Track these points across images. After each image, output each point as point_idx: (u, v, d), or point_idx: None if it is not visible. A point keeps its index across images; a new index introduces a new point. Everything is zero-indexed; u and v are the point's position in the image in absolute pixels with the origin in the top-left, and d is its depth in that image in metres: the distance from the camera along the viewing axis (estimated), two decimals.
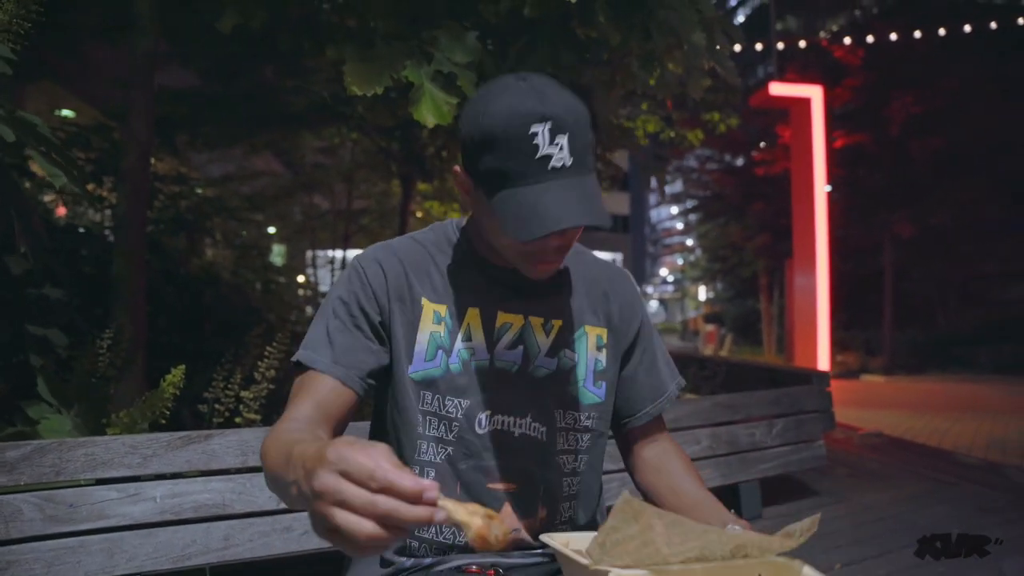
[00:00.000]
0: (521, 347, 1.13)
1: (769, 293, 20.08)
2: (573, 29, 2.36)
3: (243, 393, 2.33)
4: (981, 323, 15.94)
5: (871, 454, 3.91)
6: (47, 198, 5.43)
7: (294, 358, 1.06)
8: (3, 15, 1.78)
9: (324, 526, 0.59)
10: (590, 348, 1.19)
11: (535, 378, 1.14)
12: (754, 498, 2.28)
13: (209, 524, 1.47)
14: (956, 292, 17.64)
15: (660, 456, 1.23)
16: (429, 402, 1.10)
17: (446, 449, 1.10)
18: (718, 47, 2.56)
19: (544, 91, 0.95)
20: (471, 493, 1.09)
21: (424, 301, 1.10)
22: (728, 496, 2.24)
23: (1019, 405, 8.82)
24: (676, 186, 30.15)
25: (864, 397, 9.77)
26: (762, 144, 18.71)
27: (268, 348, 2.37)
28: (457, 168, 1.06)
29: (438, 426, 1.10)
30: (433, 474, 1.10)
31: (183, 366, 1.90)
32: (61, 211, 6.14)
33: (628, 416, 1.24)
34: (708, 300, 35.09)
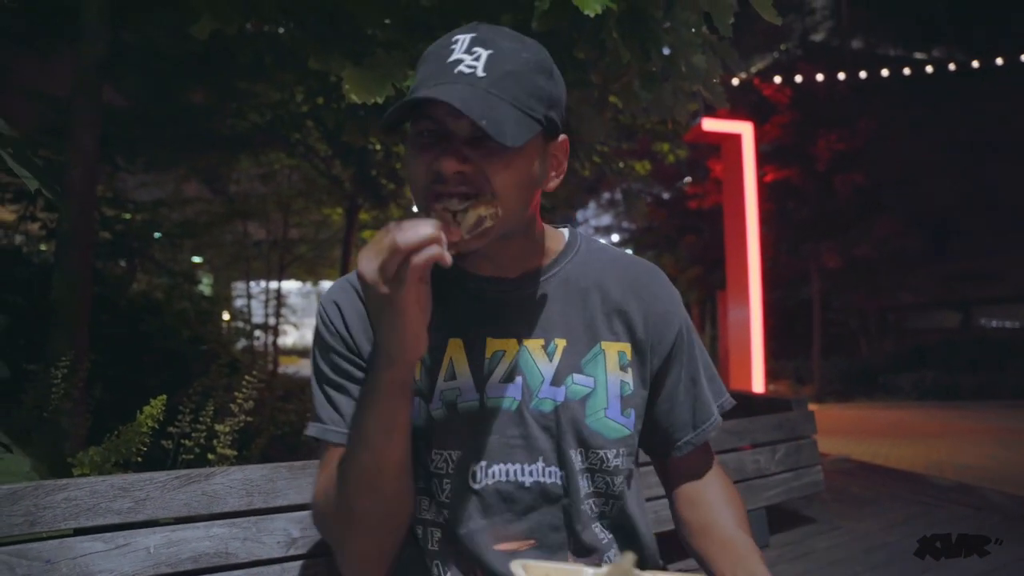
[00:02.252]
0: (519, 378, 0.95)
1: (701, 324, 20.50)
2: (573, 47, 2.31)
3: (218, 427, 2.13)
4: (901, 351, 16.68)
5: (846, 479, 3.94)
6: None
7: (308, 433, 0.98)
8: None
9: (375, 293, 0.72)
10: (611, 369, 0.98)
11: (541, 413, 0.95)
12: (762, 527, 2.22)
13: None
14: (877, 321, 18.44)
15: (699, 488, 1.06)
16: (419, 457, 0.95)
17: (443, 512, 0.95)
18: (714, 76, 2.55)
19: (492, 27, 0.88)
20: (475, 558, 0.92)
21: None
22: None
23: (947, 429, 9.20)
24: (604, 219, 30.65)
25: None
26: (687, 179, 19.22)
27: (247, 378, 2.18)
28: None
29: (429, 482, 0.96)
30: (439, 535, 0.95)
31: (163, 397, 1.71)
32: None
33: (667, 447, 1.06)
34: None
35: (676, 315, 1.05)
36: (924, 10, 20.62)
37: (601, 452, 0.96)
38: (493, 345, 0.95)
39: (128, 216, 8.19)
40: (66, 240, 3.19)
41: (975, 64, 13.85)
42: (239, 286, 16.71)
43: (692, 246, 19.16)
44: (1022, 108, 16.95)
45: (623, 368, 1.00)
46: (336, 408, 0.96)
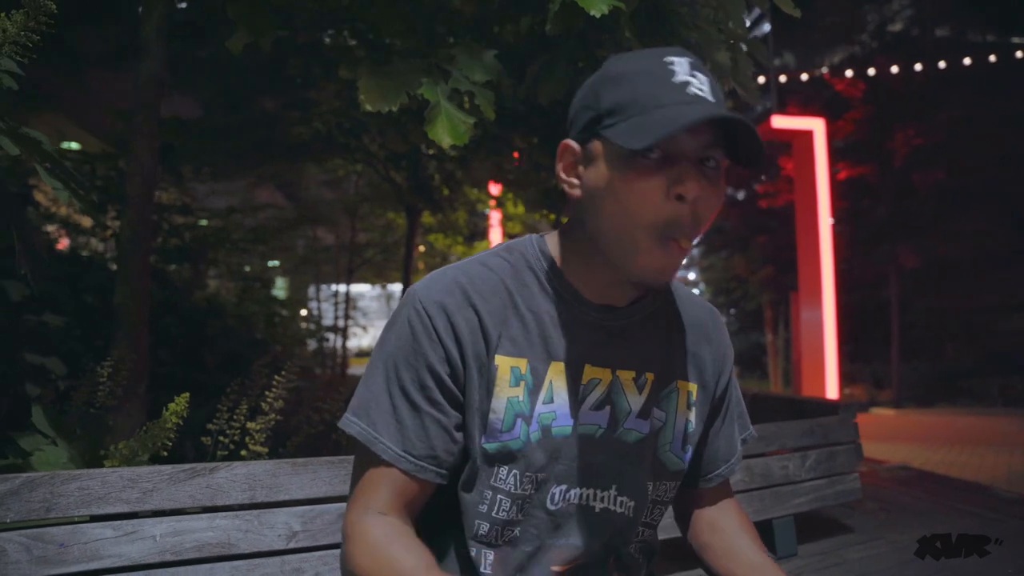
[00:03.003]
0: (608, 407, 0.95)
1: (774, 326, 19.94)
2: (593, 49, 2.30)
3: (249, 424, 2.22)
4: (988, 355, 15.78)
5: (901, 488, 3.77)
6: (48, 228, 5.36)
7: (350, 429, 0.90)
8: (13, 27, 1.71)
9: None
10: (680, 407, 1.01)
11: (624, 443, 0.96)
12: (789, 535, 2.15)
13: (212, 565, 1.35)
14: (962, 323, 17.51)
15: (718, 514, 1.10)
16: (503, 478, 0.91)
17: (512, 531, 0.93)
18: (745, 69, 2.50)
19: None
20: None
21: (499, 359, 0.90)
22: (762, 533, 2.11)
23: None
24: None
25: (876, 430, 9.60)
26: (763, 177, 18.74)
27: (276, 377, 2.26)
28: (565, 142, 0.90)
29: (509, 507, 0.92)
30: (492, 558, 0.93)
31: (187, 394, 1.79)
32: (63, 244, 6.08)
33: (697, 478, 1.09)
34: None
35: (730, 358, 1.09)
36: None
37: (667, 484, 1.02)
38: (590, 372, 0.94)
39: (202, 222, 8.59)
40: (126, 246, 3.37)
41: None
42: (319, 289, 17.25)
43: (764, 246, 18.68)
44: None
45: (690, 407, 1.02)
46: (400, 424, 0.89)
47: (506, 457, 0.91)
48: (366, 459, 0.90)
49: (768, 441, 2.18)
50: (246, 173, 7.67)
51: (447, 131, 1.94)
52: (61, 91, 6.96)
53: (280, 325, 7.99)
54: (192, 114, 7.32)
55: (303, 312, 12.67)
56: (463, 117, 1.97)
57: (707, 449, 1.09)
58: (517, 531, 0.93)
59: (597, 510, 0.95)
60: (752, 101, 2.57)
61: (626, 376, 0.96)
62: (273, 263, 15.05)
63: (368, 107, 1.95)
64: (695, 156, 0.81)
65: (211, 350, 4.60)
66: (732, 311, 29.21)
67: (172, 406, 1.75)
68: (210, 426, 2.37)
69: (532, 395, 0.91)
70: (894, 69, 13.26)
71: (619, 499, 0.97)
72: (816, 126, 12.91)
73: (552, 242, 0.97)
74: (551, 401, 0.92)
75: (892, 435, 9.17)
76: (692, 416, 1.02)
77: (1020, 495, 3.71)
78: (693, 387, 1.03)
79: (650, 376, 0.98)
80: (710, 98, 0.80)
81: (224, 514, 1.39)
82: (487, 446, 0.90)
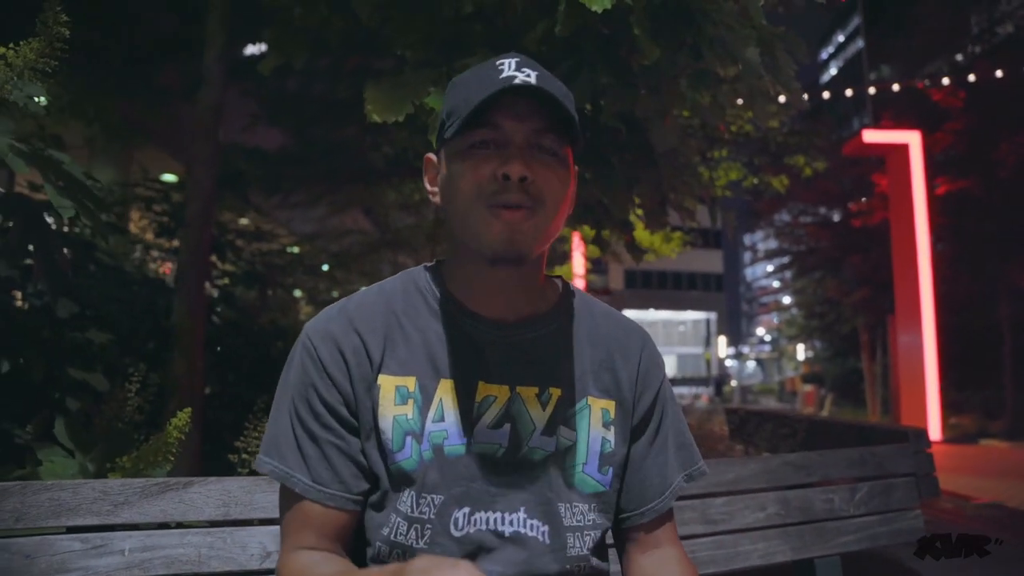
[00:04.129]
0: (508, 425, 0.92)
1: (871, 351, 18.89)
2: (617, 53, 2.21)
3: None
4: None
5: (987, 529, 3.40)
6: (136, 254, 5.65)
7: (263, 469, 0.92)
8: (31, 53, 1.79)
9: None
10: (594, 424, 0.97)
11: (529, 462, 0.92)
12: None
13: None
14: None
15: (658, 565, 0.99)
16: (404, 500, 0.90)
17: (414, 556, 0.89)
18: (786, 68, 2.34)
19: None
20: None
21: (382, 379, 0.91)
22: (801, 574, 1.92)
23: None
24: (770, 243, 29.31)
25: (983, 464, 8.83)
26: (863, 199, 17.88)
27: None
28: (426, 155, 0.97)
29: (407, 531, 0.90)
30: None
31: (189, 410, 1.79)
32: (167, 269, 6.38)
33: (629, 511, 1.00)
34: (807, 359, 33.54)
35: (657, 377, 1.05)
36: None
37: (581, 506, 0.95)
38: (485, 390, 0.92)
39: (293, 248, 8.91)
40: (184, 269, 3.50)
41: None
42: None
43: (858, 267, 17.80)
44: None
45: (606, 425, 0.98)
46: (305, 456, 0.90)
47: (404, 478, 0.90)
48: (286, 497, 0.93)
49: (809, 471, 1.98)
50: (320, 199, 7.91)
51: None
52: (154, 127, 7.43)
53: None
54: (283, 144, 7.68)
55: None
56: None
57: (635, 477, 1.01)
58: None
59: (507, 534, 0.90)
60: (796, 104, 2.41)
61: (528, 392, 0.94)
62: (360, 288, 15.44)
63: (375, 117, 1.93)
64: (525, 142, 0.86)
65: (274, 371, 4.69)
66: (817, 344, 27.98)
67: (175, 420, 1.75)
68: (237, 443, 2.38)
69: (422, 413, 0.91)
70: (999, 74, 12.41)
71: (530, 522, 0.91)
72: (912, 139, 12.28)
73: (445, 264, 1.00)
74: (441, 419, 0.91)
75: (1001, 470, 8.41)
76: (611, 435, 0.98)
77: None
78: (609, 404, 0.99)
79: (555, 392, 0.95)
80: (535, 83, 0.84)
81: (196, 530, 1.36)
82: (392, 468, 0.90)
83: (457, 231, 0.90)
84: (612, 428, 0.98)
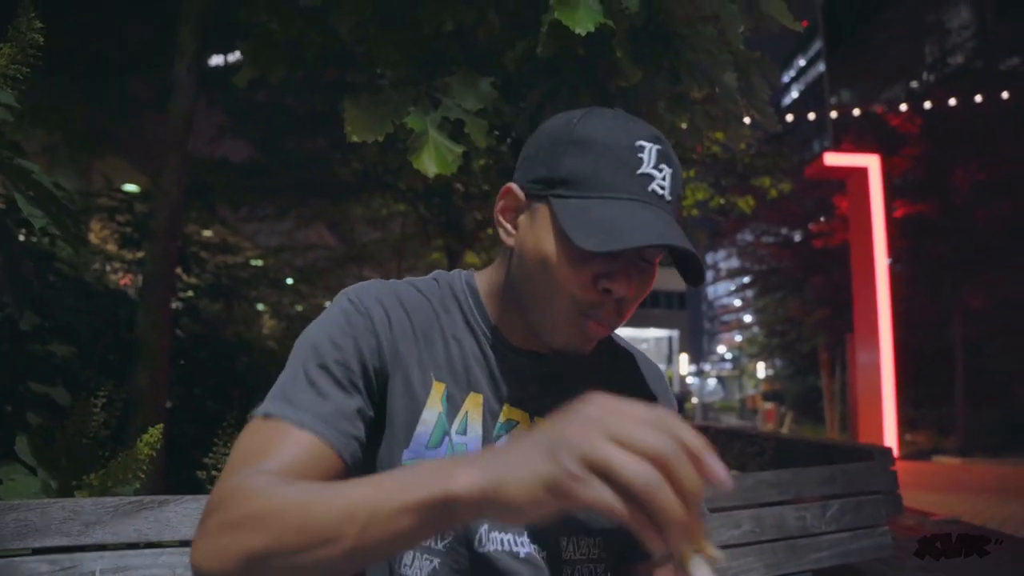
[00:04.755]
0: None
1: (831, 369, 19.24)
2: (596, 75, 2.24)
3: None
4: None
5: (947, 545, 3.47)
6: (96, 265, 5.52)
7: (257, 411, 0.77)
8: (1, 60, 1.74)
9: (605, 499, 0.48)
10: None
11: None
12: None
13: None
14: None
15: None
16: None
17: (432, 561, 0.84)
18: (760, 92, 2.40)
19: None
20: None
21: (432, 375, 0.86)
22: None
23: None
24: (732, 261, 29.77)
25: (936, 480, 9.05)
26: (822, 219, 18.28)
27: None
28: (510, 185, 0.87)
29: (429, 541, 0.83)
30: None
31: (160, 425, 1.75)
32: (126, 281, 6.24)
33: (636, 552, 0.93)
34: (767, 377, 34.03)
35: (672, 410, 1.03)
36: None
37: (588, 540, 0.90)
38: (509, 412, 0.89)
39: (256, 261, 8.78)
40: (150, 281, 3.42)
41: None
42: None
43: (819, 287, 18.15)
44: None
45: None
46: (319, 393, 0.77)
47: None
48: (256, 430, 0.76)
49: (782, 489, 2.01)
50: (287, 212, 7.83)
51: (434, 160, 1.89)
52: (121, 136, 7.29)
53: None
54: (250, 156, 7.58)
55: None
56: (451, 146, 1.93)
57: None
58: (437, 563, 0.83)
59: (521, 555, 0.85)
60: (770, 127, 2.46)
61: (543, 424, 0.89)
62: (324, 303, 15.27)
63: (354, 137, 1.92)
64: (635, 255, 0.80)
65: (239, 384, 4.62)
66: (778, 363, 28.42)
67: (146, 436, 1.71)
68: (206, 460, 2.33)
69: (448, 420, 0.86)
70: (952, 102, 12.84)
71: (532, 547, 0.87)
72: (871, 163, 12.59)
73: (481, 280, 0.94)
74: (464, 432, 0.86)
75: (956, 485, 8.63)
76: None
77: None
78: None
79: None
80: (668, 196, 0.79)
81: (171, 550, 1.33)
82: (408, 462, 0.82)
83: (524, 297, 0.85)
84: None
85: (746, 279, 24.35)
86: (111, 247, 5.56)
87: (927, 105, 13.61)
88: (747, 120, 3.00)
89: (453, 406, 0.86)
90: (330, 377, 0.79)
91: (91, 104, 4.88)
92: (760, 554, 1.90)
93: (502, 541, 0.85)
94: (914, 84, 20.52)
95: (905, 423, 13.37)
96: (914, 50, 21.81)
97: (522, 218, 0.85)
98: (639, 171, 0.78)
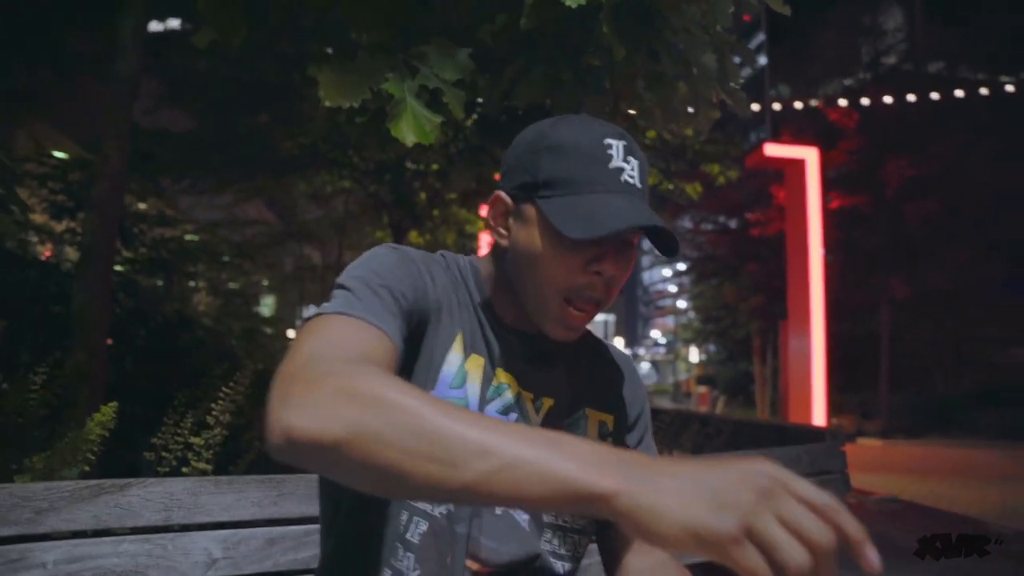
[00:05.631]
0: (515, 415, 0.95)
1: (762, 355, 19.84)
2: (574, 49, 2.19)
3: (193, 439, 2.06)
4: (981, 387, 15.70)
5: (891, 522, 3.61)
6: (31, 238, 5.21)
7: (325, 308, 0.78)
8: None
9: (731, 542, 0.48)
10: (591, 435, 1.01)
11: None
12: None
13: None
14: (953, 355, 17.44)
15: (655, 569, 0.97)
16: None
17: (439, 508, 0.89)
18: (733, 77, 2.39)
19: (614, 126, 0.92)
20: (456, 566, 0.87)
21: (460, 324, 0.94)
22: None
23: None
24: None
25: (862, 461, 9.44)
26: (762, 210, 18.74)
27: (224, 389, 2.10)
28: (498, 193, 0.94)
29: None
30: (424, 527, 0.86)
31: (114, 404, 1.64)
32: (48, 253, 5.93)
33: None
34: (700, 362, 34.89)
35: (642, 395, 1.10)
36: (1009, 31, 19.71)
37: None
38: (501, 376, 0.95)
39: (191, 236, 8.43)
40: (88, 250, 3.23)
41: None
42: (303, 308, 17.02)
43: (754, 275, 18.64)
44: None
45: (602, 437, 1.02)
46: (376, 295, 0.80)
47: None
48: (317, 323, 0.76)
49: None
50: (231, 187, 7.54)
51: (412, 129, 1.82)
52: (50, 100, 6.87)
53: (259, 341, 7.79)
54: (189, 128, 7.23)
55: (290, 333, 12.42)
56: (429, 115, 1.85)
57: None
58: (446, 510, 0.88)
59: (498, 512, 0.91)
60: (741, 112, 2.46)
61: (526, 396, 0.97)
62: (263, 281, 14.88)
63: (328, 102, 1.83)
64: (618, 240, 0.87)
65: (178, 364, 4.43)
66: (711, 348, 29.19)
67: (97, 416, 1.60)
68: (154, 440, 2.21)
69: (464, 368, 0.93)
70: (887, 99, 13.30)
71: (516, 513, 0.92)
72: (809, 155, 12.92)
73: (480, 265, 1.00)
74: (461, 386, 0.92)
75: (879, 466, 9.03)
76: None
77: (1014, 530, 3.56)
78: (608, 417, 1.03)
79: (547, 401, 0.98)
80: (639, 185, 0.88)
81: (133, 538, 1.24)
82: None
83: (520, 291, 0.92)
84: (609, 440, 1.02)
85: (682, 266, 24.80)
86: (38, 217, 5.26)
87: (864, 102, 14.04)
88: (689, 109, 3.01)
89: (464, 358, 0.93)
90: (390, 294, 0.82)
91: (27, 61, 4.55)
92: None
93: None
94: (849, 82, 21.14)
95: (832, 406, 13.89)
96: (851, 49, 22.48)
97: (512, 221, 0.92)
98: (610, 166, 0.86)
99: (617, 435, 1.03)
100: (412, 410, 0.57)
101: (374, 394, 0.59)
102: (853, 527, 0.49)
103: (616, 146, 0.88)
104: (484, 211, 0.98)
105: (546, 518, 0.94)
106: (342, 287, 0.81)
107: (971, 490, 6.86)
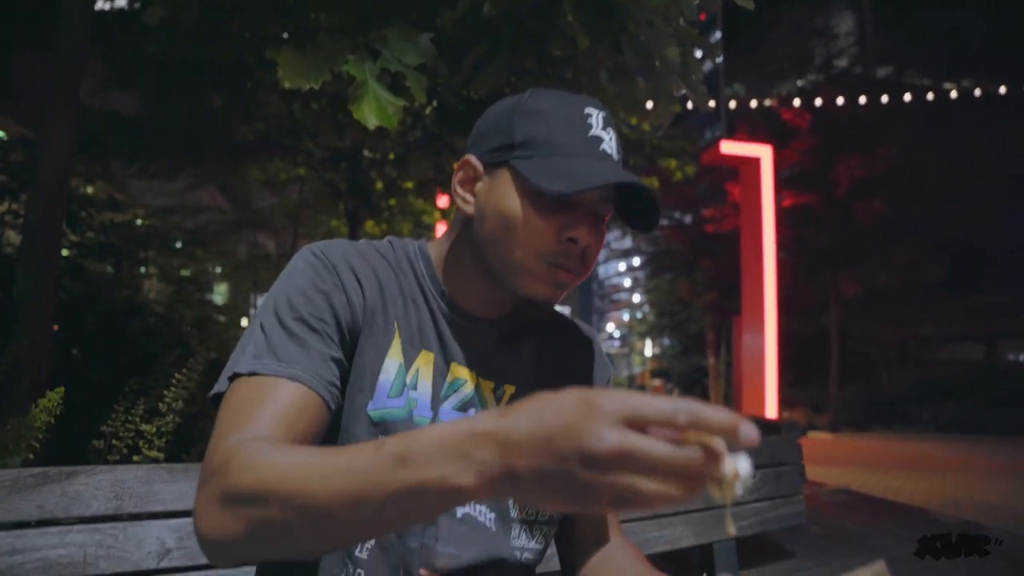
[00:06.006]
0: (473, 411, 0.92)
1: (716, 349, 20.20)
2: (537, 38, 2.18)
3: (144, 427, 2.00)
4: (922, 382, 16.26)
5: (842, 512, 3.71)
6: None
7: (240, 368, 0.76)
8: None
9: (604, 497, 0.47)
10: None
11: None
12: (731, 561, 2.02)
13: None
14: (897, 351, 18.02)
15: (609, 549, 0.98)
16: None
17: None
18: (695, 72, 2.41)
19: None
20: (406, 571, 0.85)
21: (396, 324, 0.89)
22: (702, 558, 1.99)
23: (965, 463, 8.88)
24: (624, 242, 30.56)
25: (812, 454, 9.63)
26: (717, 206, 19.02)
27: (177, 375, 2.05)
28: (468, 157, 0.91)
29: None
30: (372, 543, 0.84)
31: (61, 389, 1.58)
32: None
33: None
34: (654, 356, 35.33)
35: (608, 377, 1.08)
36: (955, 38, 20.36)
37: None
38: (456, 371, 0.92)
39: (140, 221, 8.19)
40: (31, 234, 3.11)
41: (1002, 91, 13.58)
42: (257, 297, 16.70)
43: (709, 270, 18.94)
44: None
45: None
46: (297, 342, 0.78)
47: (388, 428, 0.84)
48: (240, 390, 0.76)
49: None
50: (182, 172, 7.34)
51: (374, 111, 1.79)
52: None
53: (212, 330, 7.63)
54: (136, 111, 6.99)
55: (243, 322, 12.18)
56: (391, 98, 1.82)
57: None
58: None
59: (459, 515, 0.88)
60: (701, 107, 2.48)
61: (486, 385, 0.94)
62: (215, 269, 14.54)
63: (287, 84, 1.79)
64: (592, 207, 0.86)
65: (128, 352, 4.31)
66: (666, 342, 29.60)
67: (43, 402, 1.54)
68: (104, 427, 2.14)
69: (405, 372, 0.90)
70: (839, 101, 13.62)
71: (479, 507, 0.90)
72: (764, 153, 13.14)
73: (434, 249, 0.97)
74: (415, 388, 0.88)
75: (829, 458, 9.28)
76: None
77: (961, 520, 3.69)
78: None
79: (509, 389, 0.96)
80: (615, 156, 0.87)
81: (80, 527, 1.19)
82: (372, 412, 0.85)
83: (491, 258, 0.88)
84: None
85: (637, 260, 25.07)
86: None
87: (817, 102, 14.35)
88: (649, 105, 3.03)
89: (408, 360, 0.89)
90: (308, 328, 0.80)
91: None
92: (689, 523, 1.94)
93: None
94: (802, 83, 21.57)
95: (783, 401, 14.21)
96: (805, 50, 22.94)
97: (480, 186, 0.89)
98: (590, 134, 0.85)
99: None
100: (290, 493, 0.59)
101: (252, 485, 0.61)
102: (716, 419, 0.46)
103: (596, 116, 0.86)
104: (452, 181, 0.93)
105: (513, 513, 0.91)
106: (260, 329, 0.79)
107: (915, 481, 7.10)
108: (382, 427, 0.84)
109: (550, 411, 0.50)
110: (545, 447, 0.48)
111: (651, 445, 0.46)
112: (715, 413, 0.47)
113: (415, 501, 0.54)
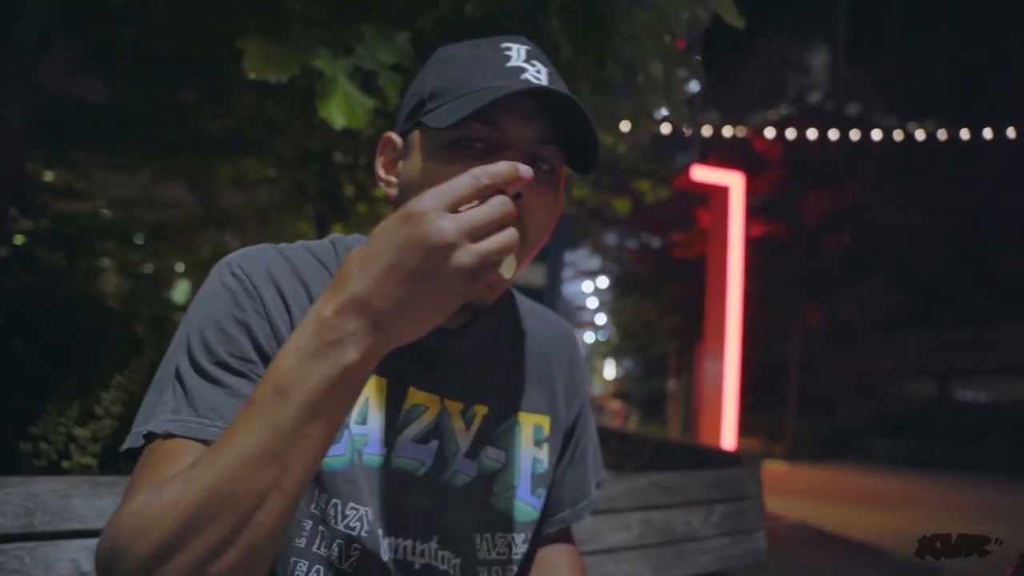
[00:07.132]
0: (435, 442, 0.80)
1: (677, 373, 20.30)
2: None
3: (77, 430, 1.87)
4: (878, 416, 16.52)
5: (800, 548, 3.68)
6: None
7: (155, 427, 0.65)
8: None
9: (468, 276, 0.54)
10: (525, 444, 0.87)
11: (450, 487, 0.79)
12: None
13: None
14: (855, 384, 18.29)
15: (551, 566, 0.92)
16: (322, 506, 0.73)
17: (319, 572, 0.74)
18: (678, 91, 2.37)
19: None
20: None
21: None
22: None
23: (919, 499, 8.98)
24: (592, 262, 30.69)
25: (771, 483, 9.65)
26: (685, 232, 19.18)
27: (118, 377, 1.92)
28: (387, 134, 0.80)
29: (330, 544, 0.73)
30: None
31: None
32: None
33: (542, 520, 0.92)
34: (616, 378, 35.45)
35: (586, 383, 1.00)
36: (923, 81, 20.91)
37: (509, 537, 0.83)
38: (416, 397, 0.79)
39: (103, 211, 7.93)
40: None
41: (964, 135, 13.96)
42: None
43: (675, 294, 19.05)
44: (1014, 180, 17.03)
45: (538, 444, 0.88)
46: (217, 385, 0.68)
47: (325, 481, 0.74)
48: (153, 454, 0.66)
49: (672, 492, 1.98)
50: (148, 164, 7.15)
51: (342, 110, 1.70)
52: None
53: (171, 329, 7.41)
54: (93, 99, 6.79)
55: None
56: (362, 98, 1.74)
57: (556, 487, 0.94)
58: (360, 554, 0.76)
59: (417, 567, 0.77)
60: (682, 124, 2.44)
61: (454, 408, 0.82)
62: (179, 266, 14.21)
63: (252, 74, 1.70)
64: (525, 150, 0.72)
65: (77, 346, 4.12)
66: (627, 364, 29.76)
67: None
68: (33, 430, 2.00)
69: None
70: (811, 134, 13.88)
71: (441, 554, 0.79)
72: (735, 181, 13.29)
73: None
74: (364, 422, 0.77)
75: (785, 489, 9.33)
76: (543, 454, 0.89)
77: (914, 560, 3.67)
78: (544, 420, 0.90)
79: (480, 410, 0.84)
80: (545, 81, 0.71)
81: None
82: None
83: None
84: (545, 446, 0.89)
85: (604, 280, 25.20)
86: None
87: (791, 134, 14.60)
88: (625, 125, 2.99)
89: None
90: (229, 371, 0.69)
91: None
92: (647, 558, 1.87)
93: (396, 547, 0.76)
94: (774, 115, 21.99)
95: (741, 428, 14.30)
96: (779, 83, 23.39)
97: (401, 162, 0.79)
98: (507, 65, 0.72)
99: (553, 439, 0.91)
100: (202, 503, 0.54)
101: (173, 527, 0.54)
102: (503, 171, 0.56)
103: (516, 48, 0.74)
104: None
105: (480, 555, 0.81)
106: (177, 375, 0.69)
107: (870, 515, 7.15)
108: (318, 481, 0.73)
109: (379, 247, 0.54)
110: (397, 274, 0.53)
111: (480, 212, 0.54)
112: (500, 167, 0.55)
113: (320, 413, 0.54)
